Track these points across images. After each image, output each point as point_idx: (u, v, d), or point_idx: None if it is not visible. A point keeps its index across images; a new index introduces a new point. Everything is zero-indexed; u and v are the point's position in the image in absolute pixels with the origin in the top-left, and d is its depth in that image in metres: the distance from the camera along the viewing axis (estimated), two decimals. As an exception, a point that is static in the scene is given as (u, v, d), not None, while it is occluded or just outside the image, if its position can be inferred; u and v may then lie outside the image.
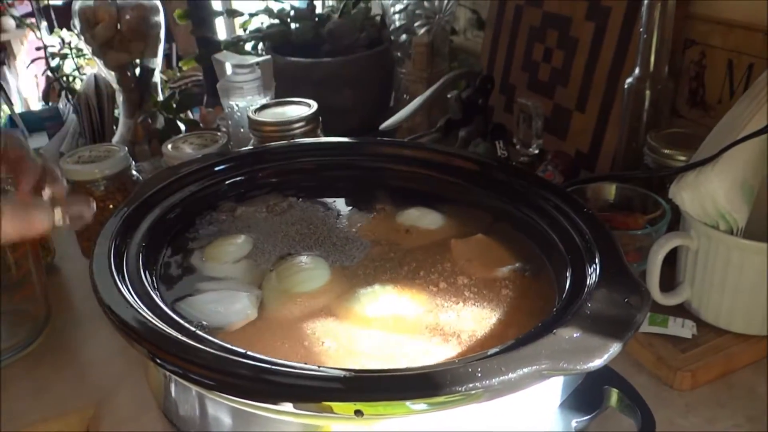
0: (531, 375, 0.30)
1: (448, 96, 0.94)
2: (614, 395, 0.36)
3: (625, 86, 0.74)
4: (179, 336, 0.34)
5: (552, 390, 0.34)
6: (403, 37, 1.03)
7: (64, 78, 1.59)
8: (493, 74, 0.98)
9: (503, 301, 0.41)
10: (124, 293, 0.37)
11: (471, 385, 0.29)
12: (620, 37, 0.79)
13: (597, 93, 0.82)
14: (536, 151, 0.83)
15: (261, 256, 0.47)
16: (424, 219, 0.52)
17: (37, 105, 2.57)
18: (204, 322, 0.39)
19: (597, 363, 0.30)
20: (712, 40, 0.73)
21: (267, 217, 0.52)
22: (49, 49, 1.70)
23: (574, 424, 0.34)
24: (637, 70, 0.72)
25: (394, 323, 0.40)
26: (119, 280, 0.38)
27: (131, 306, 0.36)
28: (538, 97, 0.90)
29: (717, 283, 0.58)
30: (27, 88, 2.75)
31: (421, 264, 0.46)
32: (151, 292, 0.39)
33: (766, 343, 0.59)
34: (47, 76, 1.79)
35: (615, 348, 0.31)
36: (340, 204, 0.55)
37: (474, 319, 0.39)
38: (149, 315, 0.35)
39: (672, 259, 0.62)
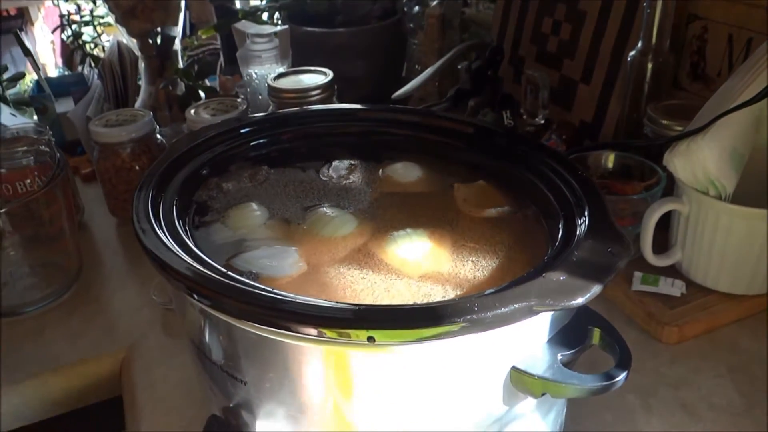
0: (521, 310, 0.34)
1: (459, 67, 0.97)
2: (596, 334, 0.40)
3: (628, 59, 0.77)
4: (212, 273, 0.38)
5: (541, 327, 0.39)
6: (416, 8, 1.06)
7: (84, 45, 1.63)
8: (503, 46, 1.01)
9: (504, 248, 0.46)
10: (162, 238, 0.42)
11: (468, 317, 0.33)
12: (626, 11, 0.82)
13: (602, 65, 0.85)
14: (542, 121, 0.86)
15: (283, 214, 0.51)
16: (407, 172, 0.56)
17: (53, 71, 2.62)
18: (254, 271, 0.43)
19: (579, 301, 0.34)
20: (714, 15, 0.76)
21: (255, 186, 0.55)
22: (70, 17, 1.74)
23: (559, 356, 0.38)
24: (639, 44, 0.75)
25: (423, 263, 0.45)
26: (157, 226, 0.43)
27: (170, 250, 0.40)
28: (545, 69, 0.93)
29: (706, 246, 0.62)
30: (44, 55, 2.78)
31: (425, 209, 0.51)
32: (185, 238, 0.43)
33: (750, 302, 0.63)
34: (66, 43, 1.83)
35: (596, 289, 0.35)
36: (316, 165, 0.58)
37: (478, 267, 0.44)
38: (186, 257, 0.40)
39: (666, 224, 0.66)
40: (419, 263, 0.44)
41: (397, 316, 0.34)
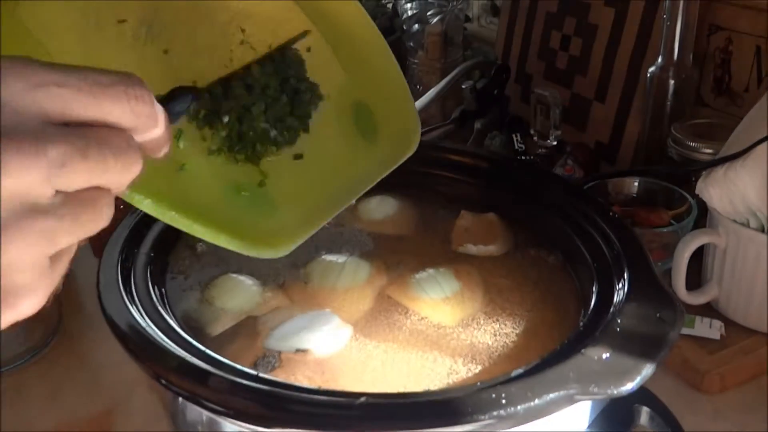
0: (558, 400, 0.28)
1: (463, 86, 0.92)
2: (644, 414, 0.34)
3: (648, 75, 0.71)
4: (191, 358, 0.32)
5: (580, 411, 0.32)
6: (416, 26, 1.01)
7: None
8: (509, 63, 0.95)
9: (530, 302, 0.40)
10: (135, 314, 0.36)
11: (495, 413, 0.27)
12: (642, 23, 0.76)
13: (617, 82, 0.79)
14: (554, 143, 0.80)
15: (276, 278, 0.44)
16: (381, 207, 0.51)
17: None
18: (304, 347, 0.37)
19: (629, 387, 0.28)
20: (739, 26, 0.70)
21: None
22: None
23: (602, 446, 0.32)
24: (660, 59, 0.70)
25: (453, 307, 0.40)
26: (128, 300, 0.37)
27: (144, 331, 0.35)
28: (555, 87, 0.87)
29: (747, 282, 0.56)
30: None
31: (425, 247, 0.47)
32: (161, 309, 0.37)
33: (799, 343, 0.57)
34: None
35: (648, 370, 0.29)
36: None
37: (500, 328, 0.38)
38: (160, 336, 0.34)
39: (698, 255, 0.59)
40: (451, 307, 0.40)
41: (406, 414, 0.28)
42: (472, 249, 0.46)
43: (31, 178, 0.21)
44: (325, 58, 0.43)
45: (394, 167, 0.42)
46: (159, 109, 0.26)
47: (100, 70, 0.24)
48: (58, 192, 0.23)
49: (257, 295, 0.42)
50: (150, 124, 0.25)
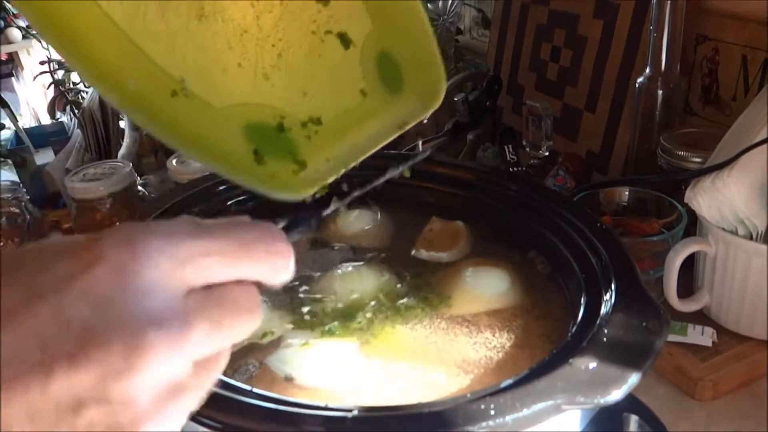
0: (546, 410, 0.29)
1: (455, 98, 0.93)
2: (633, 422, 0.35)
3: (636, 85, 0.72)
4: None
5: (570, 419, 0.33)
6: (408, 39, 1.02)
7: (71, 89, 1.59)
8: (500, 74, 0.96)
9: (519, 311, 0.41)
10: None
11: (484, 424, 0.28)
12: (630, 34, 0.77)
13: (607, 92, 0.80)
14: (546, 153, 0.81)
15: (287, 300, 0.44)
16: (361, 219, 0.52)
17: (46, 117, 2.58)
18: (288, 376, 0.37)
19: (615, 396, 0.29)
20: (725, 36, 0.71)
21: None
22: (54, 62, 1.70)
23: (592, 455, 0.32)
24: (647, 69, 0.71)
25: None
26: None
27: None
28: (546, 98, 0.88)
29: (737, 289, 0.57)
30: (36, 100, 2.75)
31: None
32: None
33: (790, 349, 0.57)
34: (55, 88, 1.79)
35: (634, 379, 0.29)
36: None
37: (491, 338, 0.38)
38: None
39: (689, 263, 0.60)
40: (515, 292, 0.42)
41: (398, 427, 0.29)
42: (423, 254, 0.47)
43: (175, 363, 0.21)
44: (352, 6, 0.41)
45: (419, 119, 0.41)
46: (291, 253, 0.25)
47: (243, 226, 0.23)
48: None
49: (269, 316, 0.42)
50: (282, 274, 0.25)
